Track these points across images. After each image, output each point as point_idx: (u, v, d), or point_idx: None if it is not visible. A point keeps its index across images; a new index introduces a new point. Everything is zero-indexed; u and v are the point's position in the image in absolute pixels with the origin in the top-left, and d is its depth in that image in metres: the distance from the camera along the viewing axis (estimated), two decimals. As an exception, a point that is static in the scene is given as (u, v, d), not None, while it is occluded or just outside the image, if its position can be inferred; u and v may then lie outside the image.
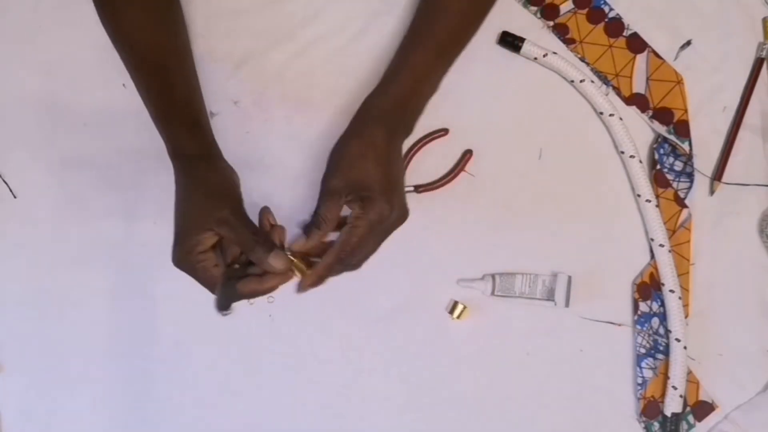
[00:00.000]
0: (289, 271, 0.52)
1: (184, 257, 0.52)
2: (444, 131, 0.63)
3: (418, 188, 0.63)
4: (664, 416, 0.61)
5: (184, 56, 0.61)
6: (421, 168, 0.64)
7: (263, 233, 0.53)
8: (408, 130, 0.57)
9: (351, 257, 0.52)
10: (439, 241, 0.63)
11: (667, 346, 0.61)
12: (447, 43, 0.57)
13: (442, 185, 0.63)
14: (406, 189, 0.61)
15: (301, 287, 0.53)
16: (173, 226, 0.53)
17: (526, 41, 0.63)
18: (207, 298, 0.64)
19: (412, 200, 0.57)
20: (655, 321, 0.62)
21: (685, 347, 0.60)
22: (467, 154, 0.63)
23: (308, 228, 0.53)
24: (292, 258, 0.52)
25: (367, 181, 0.52)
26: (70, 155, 0.65)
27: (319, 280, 0.53)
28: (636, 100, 0.64)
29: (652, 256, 0.62)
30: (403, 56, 0.57)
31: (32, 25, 0.66)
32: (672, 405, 0.60)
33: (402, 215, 0.54)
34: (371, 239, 0.53)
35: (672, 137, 0.62)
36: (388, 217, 0.52)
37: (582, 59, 0.64)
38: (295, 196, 0.64)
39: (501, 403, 0.63)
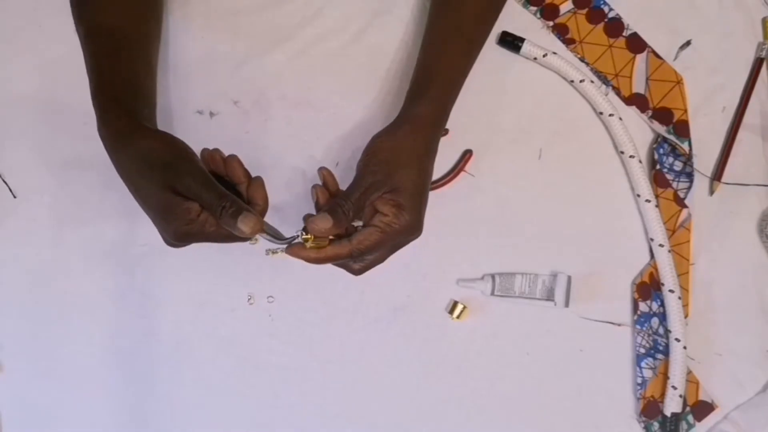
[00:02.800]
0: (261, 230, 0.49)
1: (185, 229, 0.48)
2: (445, 131, 0.63)
3: None
4: (664, 416, 0.61)
5: (143, 40, 0.59)
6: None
7: (230, 196, 0.49)
8: (443, 129, 0.57)
9: (360, 256, 0.52)
10: (439, 241, 0.63)
11: (667, 346, 0.61)
12: (474, 38, 0.58)
13: (443, 185, 0.63)
14: None
15: (296, 254, 0.51)
16: (144, 207, 0.50)
17: (526, 41, 0.63)
18: (207, 298, 0.64)
19: (429, 204, 0.58)
20: (655, 321, 0.62)
21: (684, 347, 0.60)
22: (467, 154, 0.63)
23: (335, 211, 0.50)
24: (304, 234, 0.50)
25: (408, 189, 0.52)
26: (70, 155, 0.65)
27: (318, 262, 0.51)
28: (636, 100, 0.64)
29: (652, 256, 0.62)
30: (436, 57, 0.57)
31: (32, 25, 0.66)
32: (672, 405, 0.60)
33: (419, 232, 0.53)
34: (385, 248, 0.52)
35: (672, 137, 0.62)
36: (410, 232, 0.52)
37: (582, 59, 0.64)
38: (295, 196, 0.64)
39: (501, 403, 0.63)
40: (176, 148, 0.51)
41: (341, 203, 0.50)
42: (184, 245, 0.52)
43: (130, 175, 0.51)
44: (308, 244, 0.51)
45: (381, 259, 0.54)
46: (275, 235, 0.51)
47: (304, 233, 0.50)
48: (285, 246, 0.51)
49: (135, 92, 0.55)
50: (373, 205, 0.52)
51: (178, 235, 0.49)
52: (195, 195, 0.48)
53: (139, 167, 0.50)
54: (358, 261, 0.53)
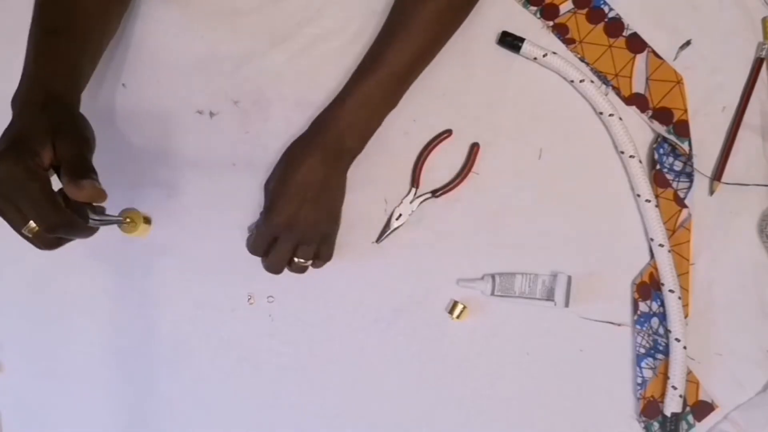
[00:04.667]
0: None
1: (19, 166, 0.45)
2: (448, 132, 0.63)
3: (436, 193, 0.63)
4: (664, 416, 0.61)
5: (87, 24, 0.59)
6: (423, 170, 0.64)
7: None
8: (354, 153, 0.59)
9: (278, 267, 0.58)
10: (439, 240, 0.63)
11: (667, 346, 0.61)
12: (401, 68, 0.57)
13: (458, 184, 0.63)
14: (424, 196, 0.62)
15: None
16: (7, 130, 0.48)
17: (526, 41, 0.63)
18: (207, 298, 0.64)
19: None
20: (655, 321, 0.62)
21: (684, 347, 0.60)
22: (475, 147, 0.63)
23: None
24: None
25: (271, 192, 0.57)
26: (70, 155, 0.65)
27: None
28: (636, 100, 0.64)
29: (652, 256, 0.62)
30: (353, 81, 0.58)
31: (32, 25, 0.66)
32: (672, 405, 0.60)
33: (277, 220, 0.56)
34: (276, 241, 0.57)
35: (672, 137, 0.62)
36: (277, 224, 0.56)
37: (582, 59, 0.64)
38: (295, 196, 0.64)
39: (501, 403, 0.63)
40: (83, 120, 0.52)
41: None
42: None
43: (21, 110, 0.50)
44: (125, 225, 0.61)
45: (307, 255, 0.58)
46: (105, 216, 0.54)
47: (127, 219, 0.60)
48: (109, 225, 0.55)
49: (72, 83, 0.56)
50: None
51: (10, 167, 0.45)
52: (68, 149, 0.48)
53: (40, 95, 0.51)
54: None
